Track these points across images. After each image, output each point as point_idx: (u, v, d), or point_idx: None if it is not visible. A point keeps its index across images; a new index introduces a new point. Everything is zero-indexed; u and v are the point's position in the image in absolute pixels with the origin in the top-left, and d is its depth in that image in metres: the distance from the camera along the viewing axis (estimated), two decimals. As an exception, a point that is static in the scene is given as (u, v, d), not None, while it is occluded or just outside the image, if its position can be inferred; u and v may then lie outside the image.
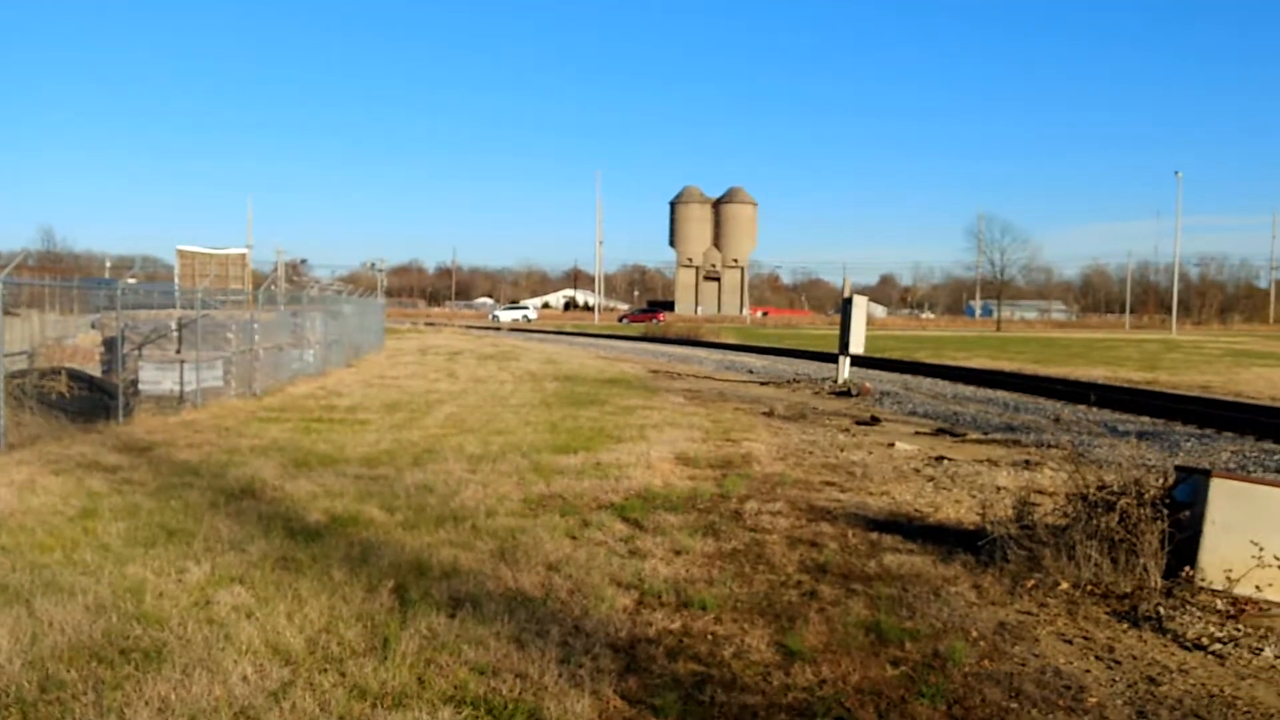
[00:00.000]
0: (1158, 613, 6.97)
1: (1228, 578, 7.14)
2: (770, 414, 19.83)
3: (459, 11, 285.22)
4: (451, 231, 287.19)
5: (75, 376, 17.89)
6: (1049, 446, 15.82)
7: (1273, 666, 6.19)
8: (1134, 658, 6.27)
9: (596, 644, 6.03)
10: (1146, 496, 7.70)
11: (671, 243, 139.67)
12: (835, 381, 27.49)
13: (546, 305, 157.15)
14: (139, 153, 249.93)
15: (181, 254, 52.33)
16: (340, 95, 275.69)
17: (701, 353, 48.49)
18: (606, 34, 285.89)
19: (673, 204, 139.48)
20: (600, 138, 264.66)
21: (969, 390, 27.78)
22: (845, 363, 27.86)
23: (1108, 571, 7.48)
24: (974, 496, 11.14)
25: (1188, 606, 7.11)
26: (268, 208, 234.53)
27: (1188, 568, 7.28)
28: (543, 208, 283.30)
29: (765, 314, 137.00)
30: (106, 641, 5.89)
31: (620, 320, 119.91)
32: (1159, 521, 7.45)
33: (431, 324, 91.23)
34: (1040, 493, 11.14)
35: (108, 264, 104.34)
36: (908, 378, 32.25)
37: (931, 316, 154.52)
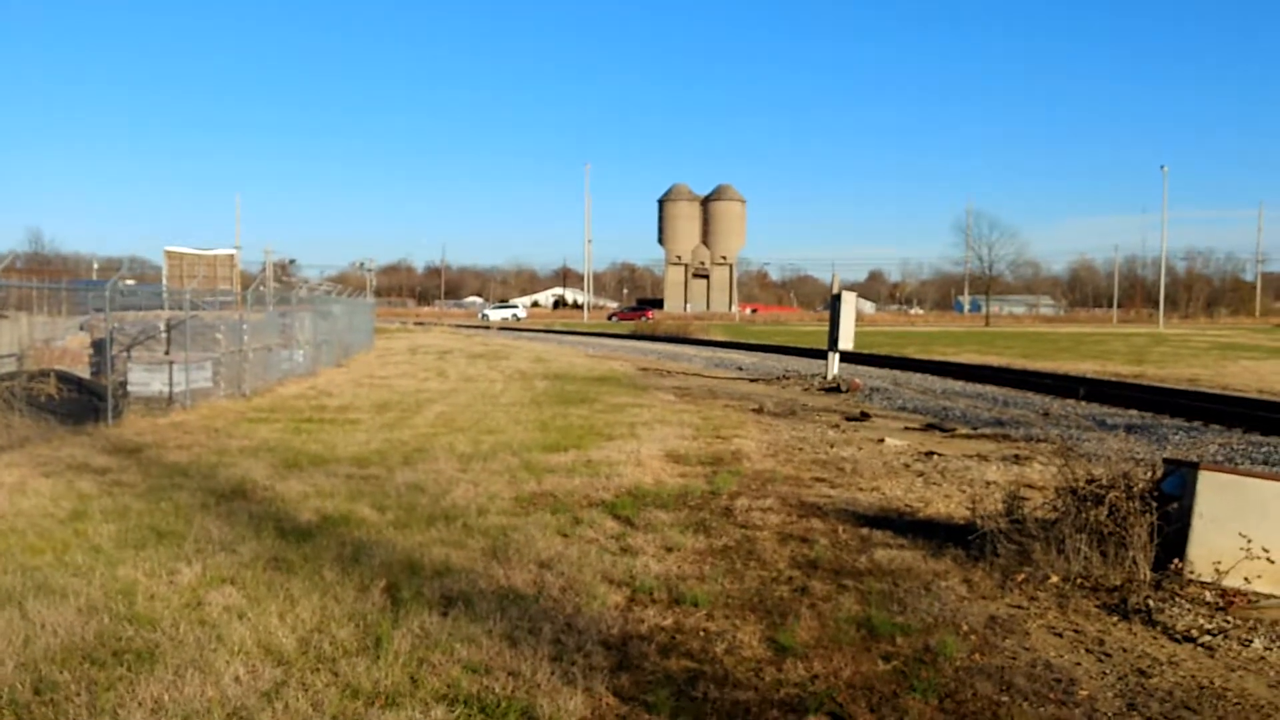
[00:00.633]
0: (1147, 605, 7.01)
1: (1216, 570, 7.18)
2: (760, 411, 19.86)
3: (448, 10, 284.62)
4: (440, 230, 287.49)
5: (64, 378, 17.84)
6: (1038, 441, 15.89)
7: (1262, 658, 6.23)
8: (1124, 650, 6.31)
9: (589, 641, 6.04)
10: (1135, 490, 7.74)
11: (660, 240, 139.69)
12: (825, 378, 27.54)
13: (536, 304, 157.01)
14: (126, 153, 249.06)
15: (169, 255, 52.10)
16: (328, 94, 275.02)
17: (691, 350, 48.53)
18: (594, 32, 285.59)
19: (661, 202, 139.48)
20: (589, 136, 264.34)
21: (958, 385, 27.87)
22: (834, 359, 27.91)
23: (1097, 564, 7.52)
24: (963, 491, 11.18)
25: (1177, 599, 7.15)
26: (256, 208, 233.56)
27: (1176, 560, 7.32)
28: (532, 207, 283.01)
29: (754, 311, 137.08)
30: (99, 643, 5.88)
31: (609, 318, 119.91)
32: (1148, 514, 7.49)
33: (421, 323, 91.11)
34: (1030, 487, 11.20)
35: (95, 265, 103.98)
36: (897, 373, 32.34)
37: (920, 312, 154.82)
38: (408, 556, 7.88)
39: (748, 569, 7.87)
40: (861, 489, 11.44)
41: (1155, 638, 6.55)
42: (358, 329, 39.21)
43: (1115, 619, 6.90)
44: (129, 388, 18.91)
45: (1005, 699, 5.41)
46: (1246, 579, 7.14)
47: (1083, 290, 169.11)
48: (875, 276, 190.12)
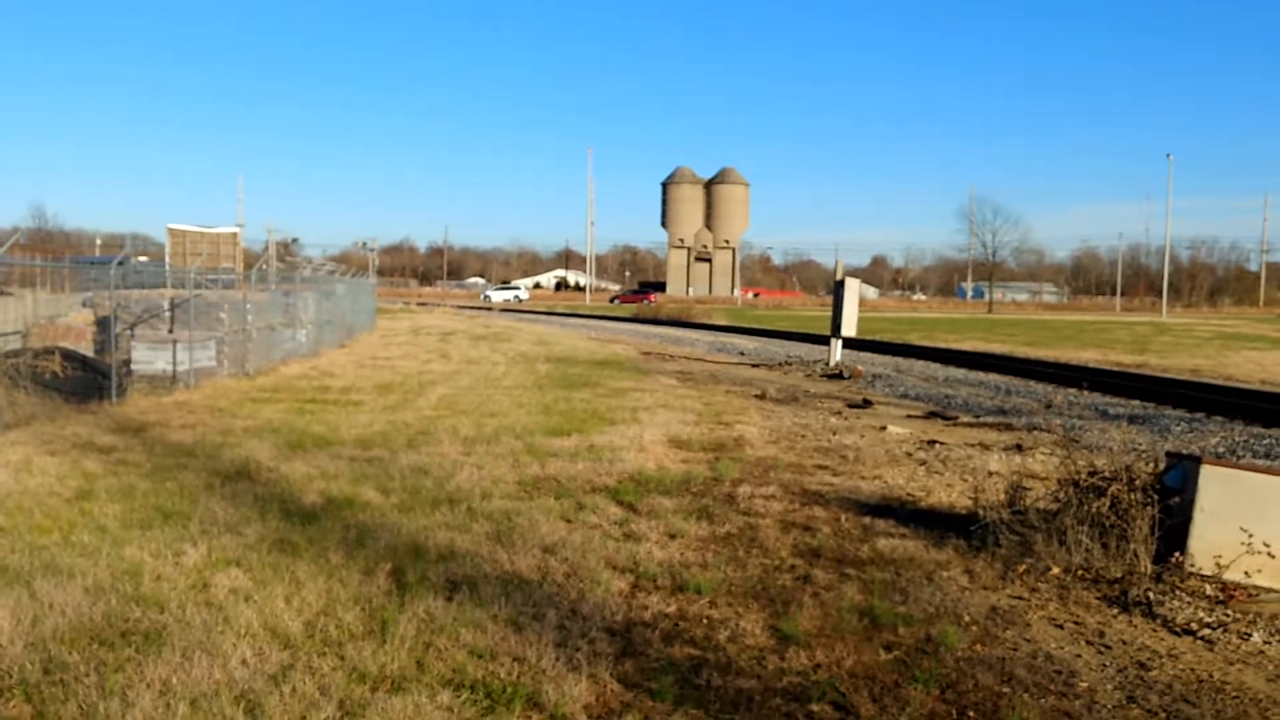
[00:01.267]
0: (1148, 598, 7.05)
1: (1217, 564, 7.21)
2: (762, 396, 19.89)
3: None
4: (443, 211, 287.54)
5: (69, 356, 17.87)
6: (1041, 430, 15.90)
7: (1261, 652, 6.27)
8: (1124, 643, 6.35)
9: (593, 627, 6.08)
10: (1137, 483, 7.77)
11: (663, 223, 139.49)
12: (827, 364, 27.56)
13: (538, 285, 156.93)
14: (130, 130, 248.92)
15: (172, 232, 52.06)
16: (333, 73, 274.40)
17: (693, 334, 48.54)
18: (599, 13, 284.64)
19: (664, 184, 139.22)
20: (592, 118, 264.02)
21: (960, 373, 27.87)
22: (837, 345, 27.92)
23: (1098, 557, 7.55)
24: (966, 480, 11.21)
25: (1177, 592, 7.19)
26: (259, 186, 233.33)
27: (1177, 554, 7.35)
28: (535, 188, 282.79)
29: (757, 295, 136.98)
30: (106, 624, 5.93)
31: (612, 301, 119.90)
32: (1149, 507, 7.52)
33: (423, 304, 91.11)
34: (1032, 477, 11.20)
35: (98, 242, 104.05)
36: (899, 360, 32.34)
37: (923, 298, 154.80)
38: (412, 540, 7.92)
39: (750, 557, 7.91)
40: (864, 477, 11.47)
41: (1155, 630, 6.60)
42: (360, 309, 39.22)
43: (1116, 611, 6.94)
44: (133, 366, 18.96)
45: (1006, 690, 5.45)
46: (1247, 573, 7.18)
47: (1086, 278, 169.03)
48: (878, 262, 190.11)
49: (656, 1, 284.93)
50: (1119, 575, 7.42)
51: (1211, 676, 5.83)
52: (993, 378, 26.39)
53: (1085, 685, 5.60)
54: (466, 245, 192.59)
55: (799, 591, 7.02)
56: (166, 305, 20.14)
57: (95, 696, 4.89)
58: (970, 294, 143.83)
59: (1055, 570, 7.59)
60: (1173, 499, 7.61)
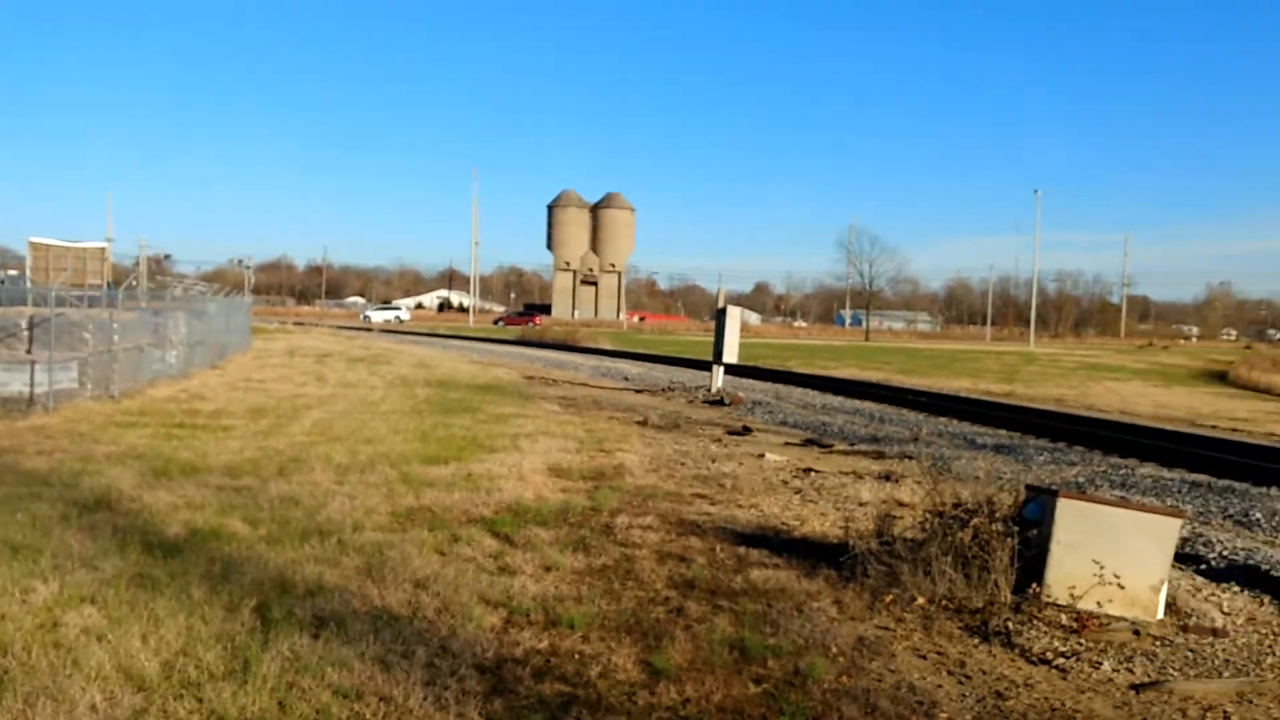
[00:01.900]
0: (1007, 628, 7.27)
1: (1071, 594, 7.49)
2: (644, 423, 19.98)
3: (333, 4, 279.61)
4: (323, 228, 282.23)
5: (-84, 377, 16.98)
6: (911, 459, 16.33)
7: (1110, 679, 6.52)
8: (984, 672, 6.54)
9: (463, 665, 6.01)
10: (998, 514, 8.03)
11: (549, 246, 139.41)
12: (709, 390, 27.84)
13: (420, 306, 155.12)
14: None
15: (34, 246, 50.11)
16: (210, 86, 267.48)
17: (578, 358, 48.51)
18: (484, 32, 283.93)
19: (550, 207, 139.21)
20: (479, 139, 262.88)
21: (837, 400, 28.45)
22: (719, 371, 28.23)
23: (961, 587, 7.76)
24: (839, 510, 11.43)
25: (1035, 621, 7.44)
26: (131, 201, 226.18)
27: (1035, 584, 7.62)
28: (418, 206, 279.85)
29: (642, 319, 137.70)
30: (-55, 668, 5.62)
31: (496, 323, 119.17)
32: (1009, 539, 7.78)
33: (301, 324, 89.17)
34: (902, 505, 11.49)
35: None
36: (779, 387, 32.86)
37: (804, 325, 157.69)
38: (280, 574, 7.72)
39: (625, 589, 7.91)
40: (740, 506, 11.60)
41: (1013, 660, 6.80)
42: (234, 329, 38.18)
43: (977, 641, 7.14)
44: (-13, 388, 18.09)
45: (870, 723, 5.55)
46: (1099, 603, 7.47)
47: (959, 308, 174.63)
48: (761, 288, 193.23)
49: (541, 24, 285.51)
50: (980, 605, 7.64)
51: (1064, 705, 6.04)
52: (868, 405, 27.00)
53: (945, 716, 5.75)
54: (347, 263, 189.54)
55: (672, 624, 7.05)
56: (25, 324, 19.31)
57: (-71, 747, 4.64)
58: (849, 321, 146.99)
59: (920, 600, 7.77)
60: (1031, 531, 7.89)
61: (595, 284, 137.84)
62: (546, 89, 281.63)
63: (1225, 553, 10.27)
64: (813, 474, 14.25)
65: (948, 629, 7.35)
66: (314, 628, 6.52)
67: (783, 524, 10.70)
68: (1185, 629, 7.59)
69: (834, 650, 6.69)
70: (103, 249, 54.28)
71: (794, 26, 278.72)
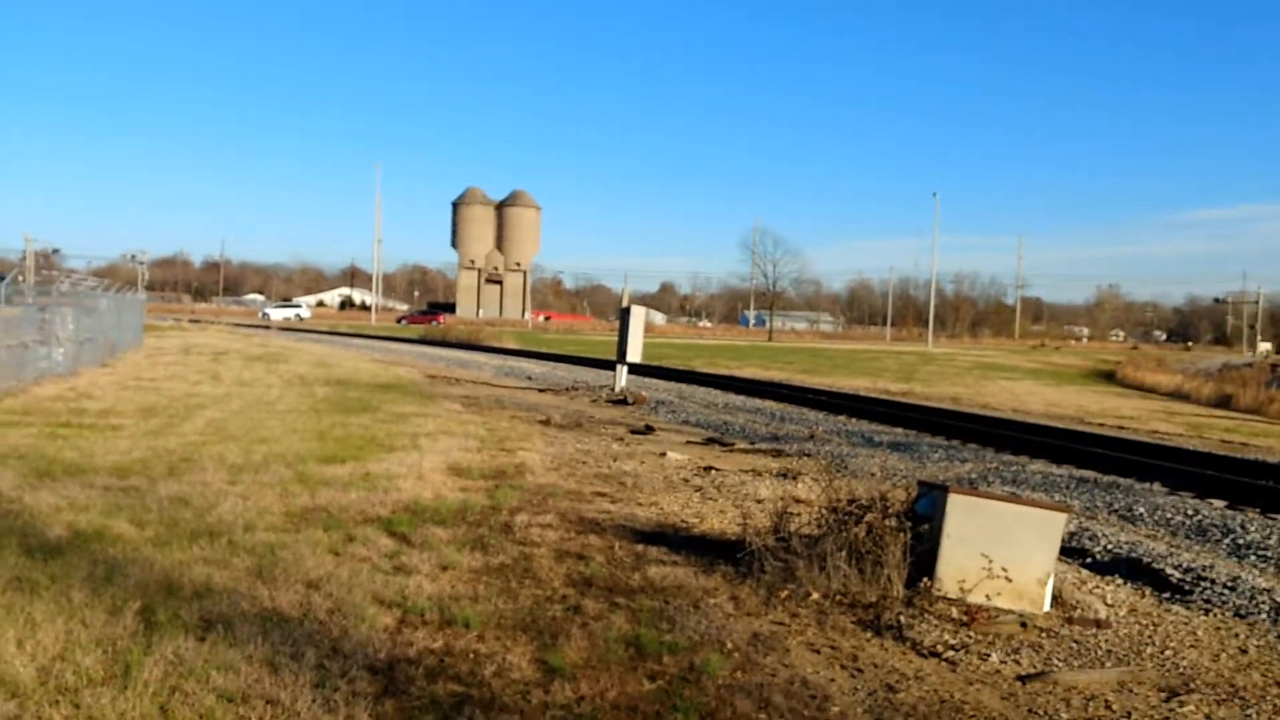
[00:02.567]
0: (899, 621, 7.41)
1: (961, 588, 7.66)
2: (547, 422, 19.91)
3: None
4: (220, 223, 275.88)
5: None
6: (810, 457, 16.56)
7: (997, 671, 6.68)
8: (875, 666, 6.64)
9: (354, 666, 5.90)
10: (891, 510, 8.18)
11: (454, 244, 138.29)
12: (613, 389, 27.85)
13: (321, 304, 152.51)
14: None
15: (-88, 239, 47.94)
16: (101, 71, 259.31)
17: (482, 358, 48.16)
18: (388, 27, 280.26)
19: (455, 204, 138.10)
20: (383, 134, 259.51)
21: (740, 400, 28.71)
22: (623, 371, 28.27)
23: (855, 582, 7.89)
24: (738, 507, 11.51)
25: (926, 615, 7.59)
26: (16, 192, 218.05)
27: (927, 578, 7.77)
28: (320, 203, 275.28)
29: (548, 319, 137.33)
30: None
31: (399, 321, 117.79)
32: (902, 534, 7.93)
33: (196, 321, 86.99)
34: (800, 502, 11.62)
35: None
36: (683, 386, 33.04)
37: (709, 325, 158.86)
38: (166, 576, 7.50)
39: (523, 588, 7.87)
40: (640, 504, 11.62)
41: (905, 653, 6.93)
42: (126, 326, 37.07)
43: (869, 635, 7.25)
44: None
45: (763, 716, 5.60)
46: (988, 596, 7.65)
47: (860, 308, 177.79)
48: (666, 288, 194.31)
49: (445, 19, 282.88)
50: (874, 600, 7.77)
51: (953, 696, 6.17)
52: (770, 405, 27.29)
53: (837, 709, 5.82)
54: (245, 260, 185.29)
55: (568, 622, 7.03)
56: (-100, 319, 18.48)
57: None
58: (753, 321, 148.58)
59: (815, 595, 7.87)
60: (923, 526, 8.05)
61: (500, 283, 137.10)
62: (452, 84, 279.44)
63: (1110, 546, 10.60)
64: (713, 472, 14.35)
65: (841, 623, 7.45)
66: (200, 630, 6.35)
67: (682, 522, 10.75)
68: (1070, 621, 7.82)
69: (729, 646, 6.74)
70: (-15, 242, 52.16)
71: (698, 25, 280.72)
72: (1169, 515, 12.55)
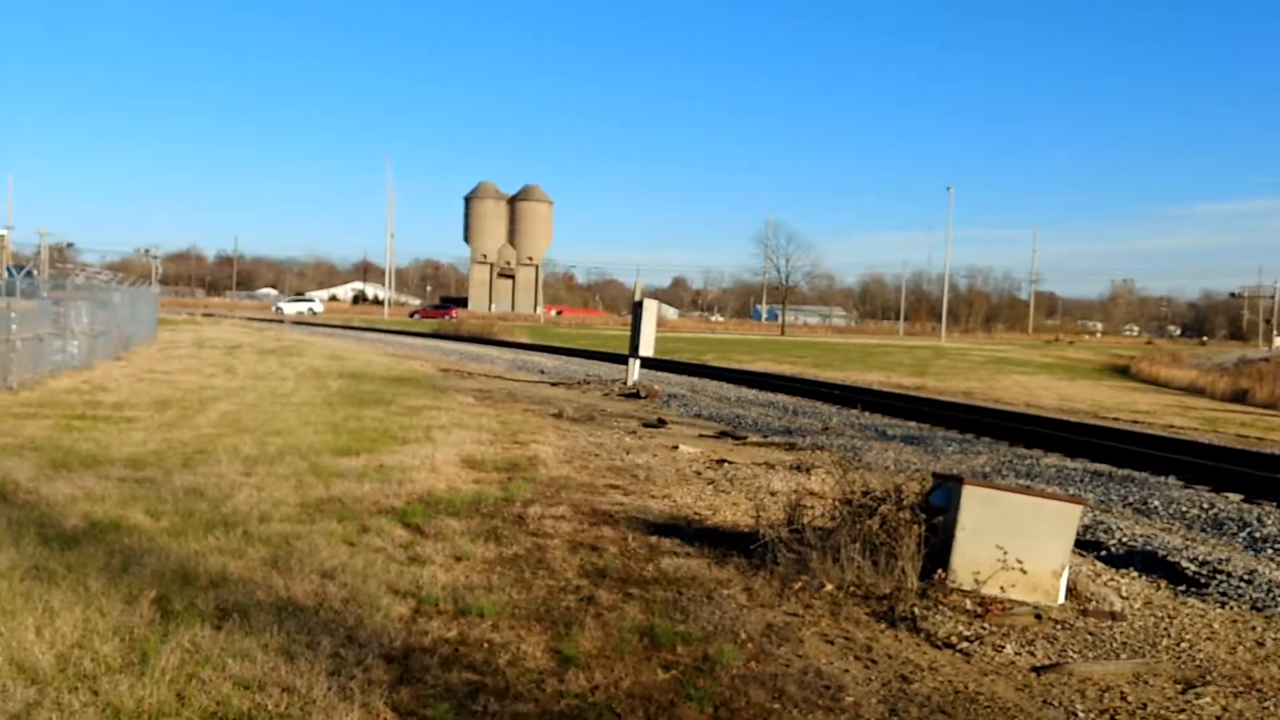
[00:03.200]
0: (913, 613, 7.40)
1: (975, 579, 7.65)
2: (559, 416, 19.93)
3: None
4: (234, 218, 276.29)
5: None
6: (824, 450, 16.53)
7: (1012, 662, 6.67)
8: (889, 657, 6.64)
9: (369, 654, 5.93)
10: (905, 502, 8.16)
11: (466, 238, 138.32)
12: (625, 383, 27.86)
13: (334, 298, 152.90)
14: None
15: (-71, 233, 48.24)
16: (117, 69, 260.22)
17: (494, 351, 48.23)
18: (401, 22, 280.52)
19: (468, 199, 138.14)
20: (395, 128, 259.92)
21: (752, 394, 28.67)
22: (635, 365, 28.28)
23: (869, 573, 7.88)
24: (751, 500, 11.50)
25: (940, 607, 7.58)
26: (32, 187, 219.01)
27: (940, 570, 7.76)
28: (333, 198, 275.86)
29: (559, 313, 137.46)
30: None
31: (412, 316, 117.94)
32: (916, 526, 7.91)
33: (210, 315, 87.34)
34: (813, 495, 11.61)
35: None
36: (695, 380, 33.02)
37: (721, 319, 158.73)
38: (182, 566, 7.54)
39: (536, 578, 7.88)
40: (653, 496, 11.63)
41: (919, 644, 6.92)
42: (140, 320, 37.23)
43: (883, 626, 7.25)
44: (-125, 378, 17.39)
45: (777, 706, 5.60)
46: (1002, 587, 7.64)
47: (873, 303, 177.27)
48: (678, 283, 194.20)
49: (458, 13, 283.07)
50: (888, 591, 7.76)
51: (967, 687, 6.16)
52: (782, 398, 27.26)
53: (851, 699, 5.82)
54: (258, 255, 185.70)
55: (582, 612, 7.04)
56: (-83, 312, 18.58)
57: None
58: (765, 316, 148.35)
59: (829, 587, 7.87)
60: (937, 518, 8.03)
61: (512, 277, 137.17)
62: (464, 79, 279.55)
63: (1124, 539, 10.56)
64: (726, 465, 14.34)
65: (855, 615, 7.45)
66: (216, 619, 6.38)
67: (695, 514, 10.75)
68: (1085, 613, 7.79)
69: (743, 636, 6.74)
70: (1, 237, 52.48)
71: (710, 20, 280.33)
72: (1185, 509, 12.50)
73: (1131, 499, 13.20)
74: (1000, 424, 20.97)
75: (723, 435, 18.60)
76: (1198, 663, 6.89)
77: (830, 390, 29.46)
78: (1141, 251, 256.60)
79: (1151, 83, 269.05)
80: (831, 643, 6.84)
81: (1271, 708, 6.10)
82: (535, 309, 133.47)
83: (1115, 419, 26.72)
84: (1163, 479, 14.79)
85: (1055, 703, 6.00)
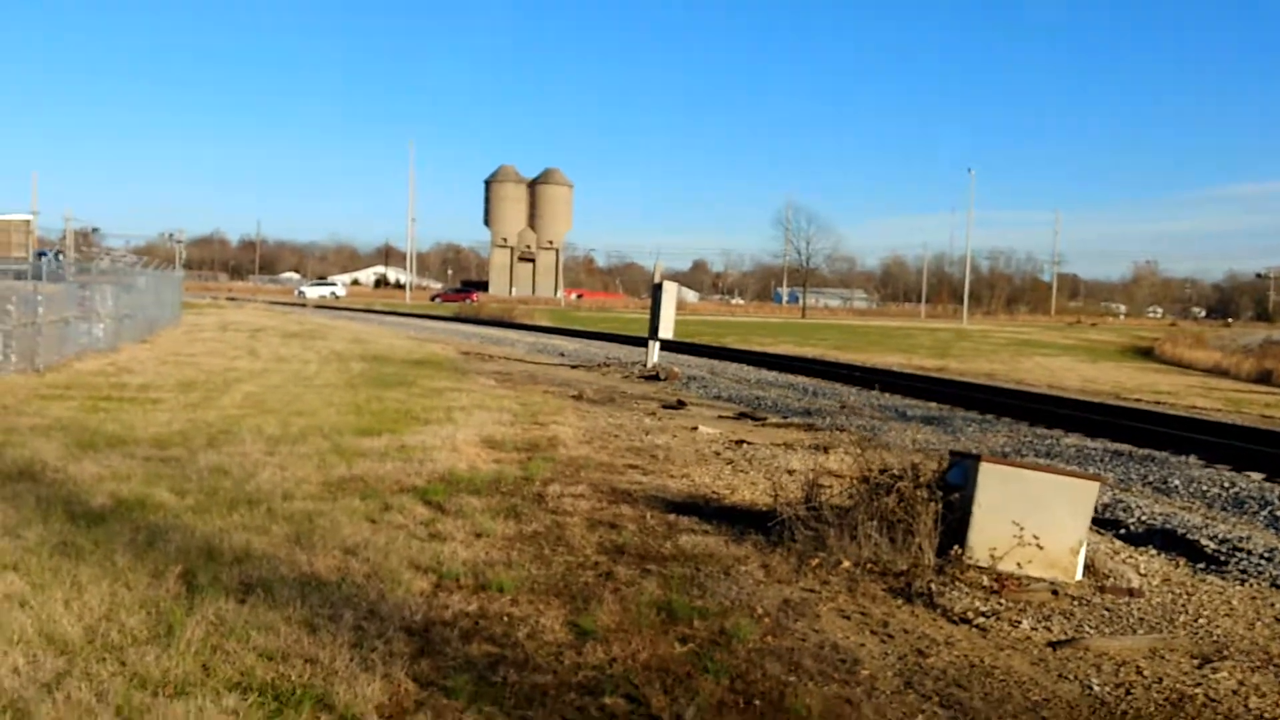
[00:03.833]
0: (929, 589, 7.44)
1: (992, 555, 7.67)
2: (579, 397, 20.01)
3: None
4: (257, 203, 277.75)
5: None
6: (842, 430, 16.55)
7: (1028, 637, 6.71)
8: (906, 632, 6.68)
9: (391, 628, 6.02)
10: (922, 479, 8.19)
11: (486, 222, 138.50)
12: (645, 366, 27.93)
13: (356, 282, 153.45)
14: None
15: (-44, 219, 48.69)
16: (141, 55, 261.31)
17: (514, 335, 48.37)
18: (420, 6, 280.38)
19: (488, 183, 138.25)
20: (415, 112, 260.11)
21: (772, 375, 28.68)
22: (655, 347, 28.32)
23: (886, 550, 7.92)
24: (769, 479, 11.53)
25: (957, 583, 7.62)
26: (57, 173, 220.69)
27: (957, 547, 7.79)
28: (354, 182, 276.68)
29: (580, 296, 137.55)
30: None
31: (433, 299, 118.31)
32: (933, 503, 7.94)
33: (234, 299, 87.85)
34: (832, 474, 11.63)
35: None
36: (715, 363, 33.04)
37: (741, 302, 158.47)
38: (206, 542, 7.65)
39: (555, 554, 7.96)
40: (672, 476, 11.69)
41: (935, 620, 6.96)
42: (164, 303, 37.55)
43: (900, 602, 7.29)
44: (-95, 361, 17.63)
45: (792, 679, 5.66)
46: (1019, 564, 7.66)
47: (894, 285, 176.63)
48: (699, 266, 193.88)
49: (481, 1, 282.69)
50: (905, 568, 7.80)
51: (983, 661, 6.20)
52: (802, 380, 27.26)
53: (867, 673, 5.88)
54: (281, 239, 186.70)
55: (600, 588, 7.11)
56: (-55, 296, 18.80)
57: None
58: (786, 299, 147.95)
59: (846, 564, 7.92)
60: (954, 495, 8.06)
61: (533, 261, 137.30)
62: (484, 63, 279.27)
63: (1144, 518, 10.55)
64: (745, 445, 14.39)
65: (872, 591, 7.50)
66: (240, 593, 6.49)
67: (713, 493, 10.81)
68: (1102, 589, 7.81)
69: (759, 611, 6.80)
70: (27, 222, 52.93)
71: (732, 2, 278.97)
72: (1205, 488, 12.47)
73: (1151, 478, 13.17)
74: (1021, 404, 20.92)
75: (742, 416, 18.64)
76: (1215, 638, 6.91)
77: (851, 372, 29.43)
78: (1165, 233, 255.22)
79: (1176, 63, 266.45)
80: (848, 618, 6.89)
81: (1287, 682, 6.12)
82: (555, 292, 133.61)
83: (1137, 400, 26.61)
84: (1184, 458, 14.75)
85: (1071, 676, 6.03)
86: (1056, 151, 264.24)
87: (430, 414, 15.66)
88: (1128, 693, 5.83)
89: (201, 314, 50.38)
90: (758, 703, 5.30)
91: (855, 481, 8.73)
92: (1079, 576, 7.87)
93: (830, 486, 9.71)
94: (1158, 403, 25.93)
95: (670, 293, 27.93)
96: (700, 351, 37.76)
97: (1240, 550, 9.23)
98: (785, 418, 18.74)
